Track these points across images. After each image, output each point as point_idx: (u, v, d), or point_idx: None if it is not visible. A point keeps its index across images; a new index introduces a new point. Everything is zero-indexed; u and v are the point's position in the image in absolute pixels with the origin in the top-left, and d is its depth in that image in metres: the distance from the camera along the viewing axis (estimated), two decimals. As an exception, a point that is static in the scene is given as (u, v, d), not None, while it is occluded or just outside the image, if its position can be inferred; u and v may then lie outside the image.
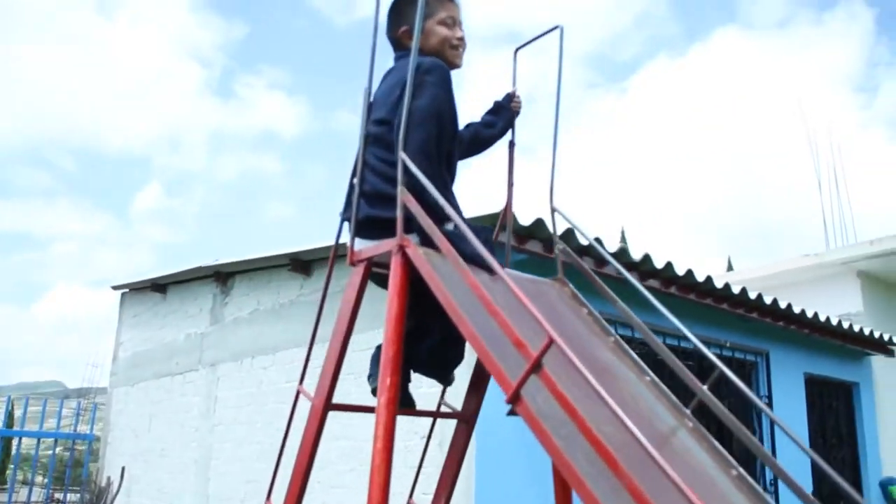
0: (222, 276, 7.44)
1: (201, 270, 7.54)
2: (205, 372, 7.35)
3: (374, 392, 2.60)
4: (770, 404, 6.40)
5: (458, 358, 2.74)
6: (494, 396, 2.19)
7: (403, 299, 2.15)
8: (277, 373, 6.31)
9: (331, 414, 2.44)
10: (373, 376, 2.57)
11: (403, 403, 2.53)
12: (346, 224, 2.54)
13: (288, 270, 6.26)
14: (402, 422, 4.88)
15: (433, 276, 2.02)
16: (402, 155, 2.20)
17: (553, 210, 2.74)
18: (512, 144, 2.93)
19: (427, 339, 2.64)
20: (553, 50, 2.83)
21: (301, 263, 6.18)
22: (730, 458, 2.08)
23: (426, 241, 2.20)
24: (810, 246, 9.60)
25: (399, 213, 2.19)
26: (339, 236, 2.58)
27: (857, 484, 7.38)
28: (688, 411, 2.22)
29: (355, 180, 2.40)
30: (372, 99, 2.50)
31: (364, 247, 2.42)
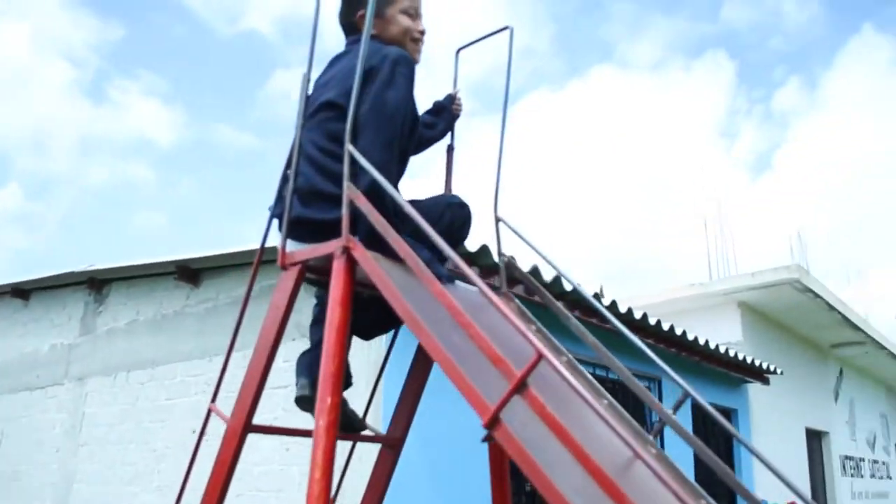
0: (96, 283, 6.83)
1: (72, 276, 6.91)
2: (71, 386, 6.70)
3: (298, 401, 2.33)
4: (661, 429, 6.47)
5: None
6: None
7: (347, 308, 1.91)
8: (156, 389, 5.82)
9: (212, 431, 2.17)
10: (301, 383, 2.30)
11: (344, 426, 2.27)
12: (275, 222, 2.26)
13: (174, 279, 5.81)
14: (290, 443, 4.54)
15: (388, 283, 1.78)
16: (350, 147, 1.96)
17: (497, 220, 2.56)
18: (451, 148, 2.74)
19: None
20: (491, 50, 2.69)
21: (189, 272, 5.74)
22: (697, 486, 1.95)
23: (370, 247, 1.96)
24: (694, 278, 9.91)
25: (345, 212, 1.94)
26: (266, 235, 2.29)
27: (738, 508, 7.59)
28: (650, 437, 2.09)
29: (289, 172, 2.13)
30: (316, 84, 2.25)
31: (295, 249, 2.15)
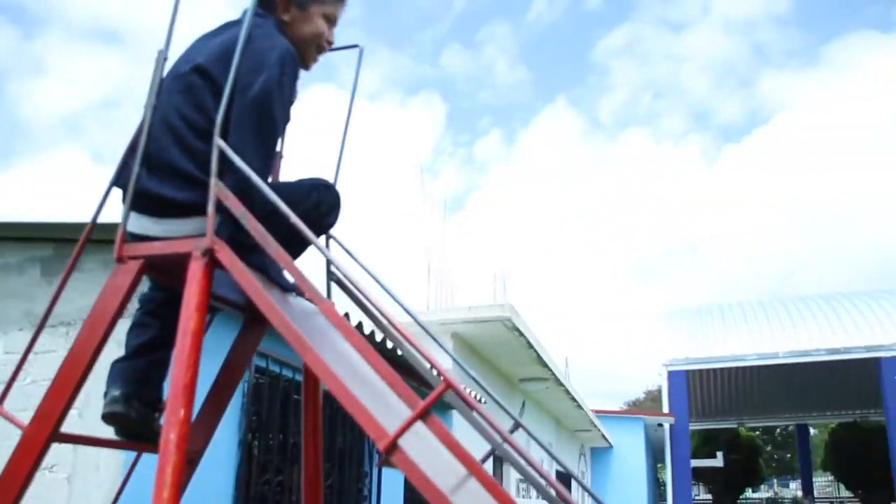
0: None
1: None
2: None
3: (107, 418, 2.09)
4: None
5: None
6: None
7: (204, 315, 1.77)
8: None
9: None
10: (112, 396, 2.06)
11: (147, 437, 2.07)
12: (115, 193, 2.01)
13: None
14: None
15: (267, 300, 1.69)
16: (221, 143, 1.83)
17: (328, 236, 2.53)
18: (279, 156, 2.67)
19: (158, 353, 2.21)
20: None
21: None
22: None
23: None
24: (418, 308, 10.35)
25: (210, 210, 1.81)
26: (101, 207, 2.04)
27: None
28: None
29: (139, 140, 1.91)
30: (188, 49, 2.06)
31: (139, 229, 1.93)
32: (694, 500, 33.38)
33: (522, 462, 2.16)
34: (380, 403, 1.59)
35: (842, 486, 44.71)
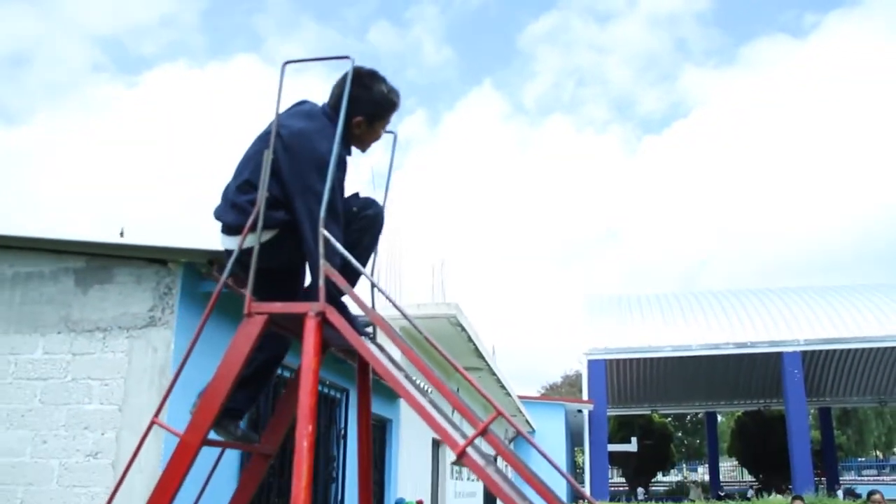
0: None
1: None
2: None
3: (241, 438, 2.94)
4: (345, 435, 7.50)
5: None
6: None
7: (319, 358, 2.62)
8: None
9: None
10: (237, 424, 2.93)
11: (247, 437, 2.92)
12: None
13: None
14: (48, 436, 4.64)
15: (371, 354, 2.56)
16: (326, 232, 2.67)
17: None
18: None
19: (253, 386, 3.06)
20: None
21: None
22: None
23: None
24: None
25: (321, 283, 2.65)
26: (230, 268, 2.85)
27: (381, 502, 8.91)
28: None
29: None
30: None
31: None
32: (608, 482, 35.32)
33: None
34: (448, 422, 2.47)
35: (745, 471, 47.76)
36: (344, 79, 2.89)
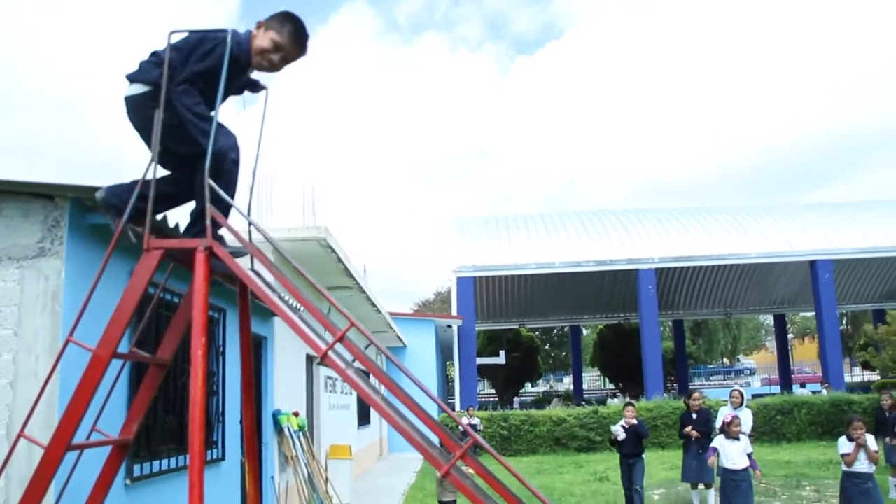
0: None
1: None
2: None
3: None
4: (224, 352, 8.16)
5: None
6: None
7: (207, 287, 3.31)
8: None
9: None
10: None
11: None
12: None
13: None
14: None
15: (260, 288, 3.28)
16: (211, 182, 3.33)
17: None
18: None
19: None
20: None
21: None
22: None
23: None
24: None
25: (208, 223, 3.32)
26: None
27: (259, 416, 9.67)
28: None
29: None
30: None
31: None
32: (479, 394, 37.44)
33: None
34: (316, 334, 3.24)
35: (606, 380, 51.52)
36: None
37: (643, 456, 11.04)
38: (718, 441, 9.47)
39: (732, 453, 9.15)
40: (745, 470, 9.16)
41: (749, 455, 9.18)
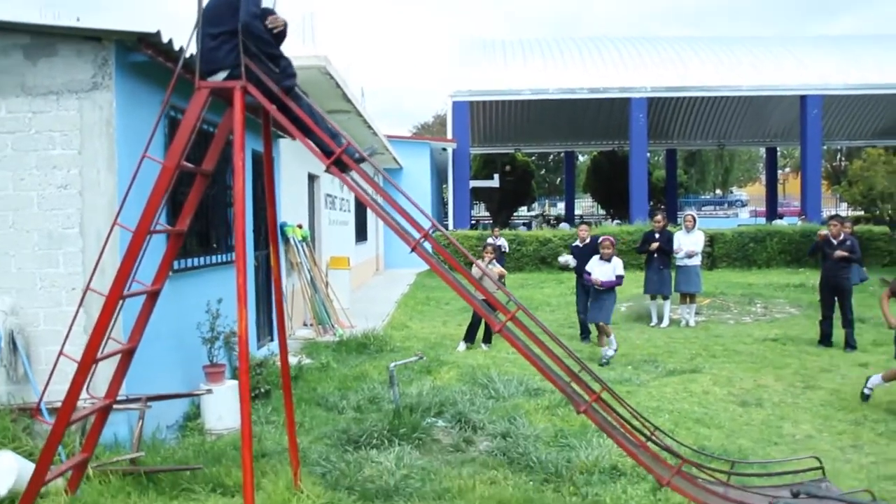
0: None
1: None
2: None
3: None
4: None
5: None
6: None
7: (244, 117, 4.50)
8: None
9: None
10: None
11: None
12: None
13: None
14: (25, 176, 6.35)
15: (277, 113, 4.49)
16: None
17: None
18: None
19: None
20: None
21: None
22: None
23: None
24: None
25: (243, 69, 4.48)
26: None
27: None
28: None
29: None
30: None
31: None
32: (474, 216, 39.18)
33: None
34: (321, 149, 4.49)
35: (599, 206, 53.33)
36: None
37: (615, 290, 10.96)
38: (593, 261, 10.91)
39: (603, 273, 10.68)
40: (612, 289, 10.66)
41: (618, 276, 10.61)
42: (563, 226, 32.42)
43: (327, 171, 4.57)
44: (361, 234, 21.30)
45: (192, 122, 4.56)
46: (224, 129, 4.98)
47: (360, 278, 20.09)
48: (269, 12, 4.68)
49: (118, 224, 4.73)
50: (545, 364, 4.48)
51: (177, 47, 6.14)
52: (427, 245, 4.66)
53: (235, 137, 4.49)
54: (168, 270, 5.05)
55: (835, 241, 10.78)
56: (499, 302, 4.61)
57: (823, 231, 11.21)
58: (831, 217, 11.81)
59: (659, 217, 12.99)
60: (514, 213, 50.39)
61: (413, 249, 4.50)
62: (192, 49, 4.71)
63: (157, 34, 5.93)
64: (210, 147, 5.07)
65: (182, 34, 5.51)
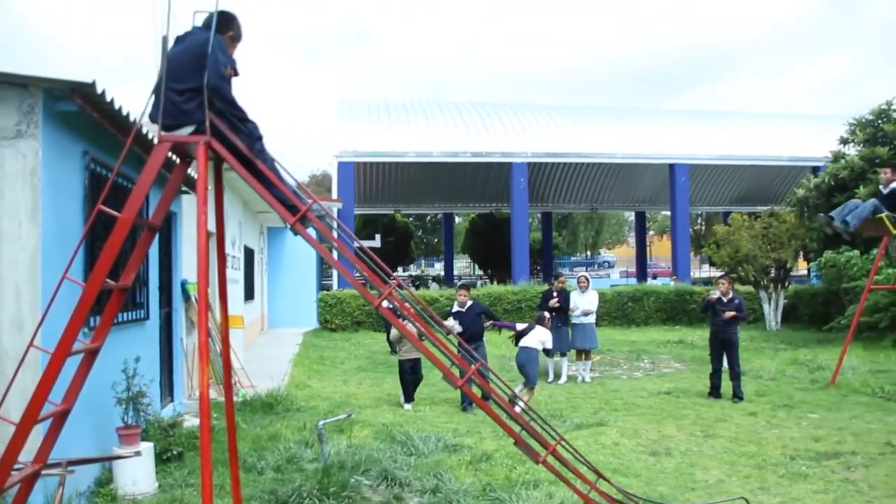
0: None
1: None
2: None
3: None
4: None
5: None
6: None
7: (206, 173, 4.52)
8: None
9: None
10: None
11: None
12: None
13: None
14: None
15: (247, 175, 4.52)
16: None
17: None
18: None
19: None
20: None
21: None
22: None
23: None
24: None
25: (207, 126, 4.51)
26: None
27: (170, 283, 10.77)
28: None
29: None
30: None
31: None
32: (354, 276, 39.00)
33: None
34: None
35: (476, 266, 54.38)
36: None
37: (483, 340, 11.58)
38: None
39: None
40: (535, 349, 11.12)
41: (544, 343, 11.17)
42: (433, 286, 32.82)
43: (291, 228, 4.62)
44: (249, 292, 20.91)
45: (152, 175, 4.54)
46: (175, 182, 4.96)
47: (249, 337, 19.67)
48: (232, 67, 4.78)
49: (68, 278, 4.60)
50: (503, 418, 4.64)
51: (108, 98, 6.05)
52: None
53: (199, 192, 4.50)
54: (109, 326, 4.92)
55: (724, 300, 11.58)
56: (461, 358, 4.75)
57: (715, 292, 11.98)
58: (720, 276, 12.67)
59: (562, 278, 13.56)
60: (394, 273, 50.55)
61: (377, 307, 4.60)
62: (149, 104, 4.70)
63: (93, 84, 5.82)
64: (158, 203, 5.03)
65: (104, 79, 5.47)
